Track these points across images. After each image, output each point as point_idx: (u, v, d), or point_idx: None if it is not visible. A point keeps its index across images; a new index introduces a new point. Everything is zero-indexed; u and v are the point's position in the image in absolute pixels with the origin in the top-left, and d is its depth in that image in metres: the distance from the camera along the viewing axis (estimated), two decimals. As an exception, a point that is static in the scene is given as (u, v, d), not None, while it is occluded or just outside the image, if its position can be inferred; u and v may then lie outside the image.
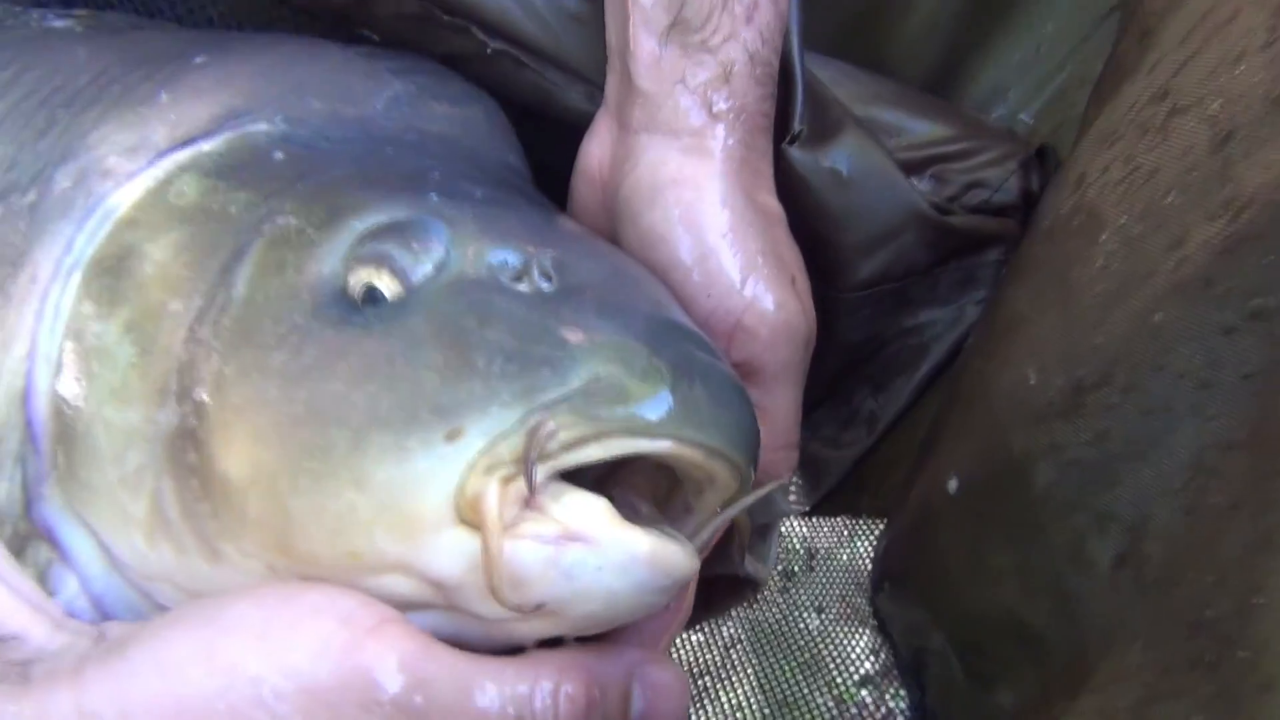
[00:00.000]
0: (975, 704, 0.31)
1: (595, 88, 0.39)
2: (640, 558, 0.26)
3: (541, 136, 0.40)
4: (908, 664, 0.36)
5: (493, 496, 0.25)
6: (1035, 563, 0.26)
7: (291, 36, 0.40)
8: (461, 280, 0.29)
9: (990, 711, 0.30)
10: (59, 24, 0.44)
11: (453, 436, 0.26)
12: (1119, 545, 0.23)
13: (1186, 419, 0.21)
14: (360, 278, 0.29)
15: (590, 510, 0.26)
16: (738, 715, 0.46)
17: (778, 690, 0.46)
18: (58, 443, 0.31)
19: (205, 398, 0.28)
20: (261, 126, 0.33)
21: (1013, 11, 0.47)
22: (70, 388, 0.31)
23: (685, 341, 0.28)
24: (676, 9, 0.34)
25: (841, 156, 0.39)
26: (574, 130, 0.39)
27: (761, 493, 0.28)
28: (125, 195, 0.33)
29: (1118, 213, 0.27)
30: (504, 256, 0.29)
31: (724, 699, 0.48)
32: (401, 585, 0.27)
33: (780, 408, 0.34)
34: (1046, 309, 0.28)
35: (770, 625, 0.49)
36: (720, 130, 0.34)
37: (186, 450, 0.28)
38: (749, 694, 0.48)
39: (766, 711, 0.46)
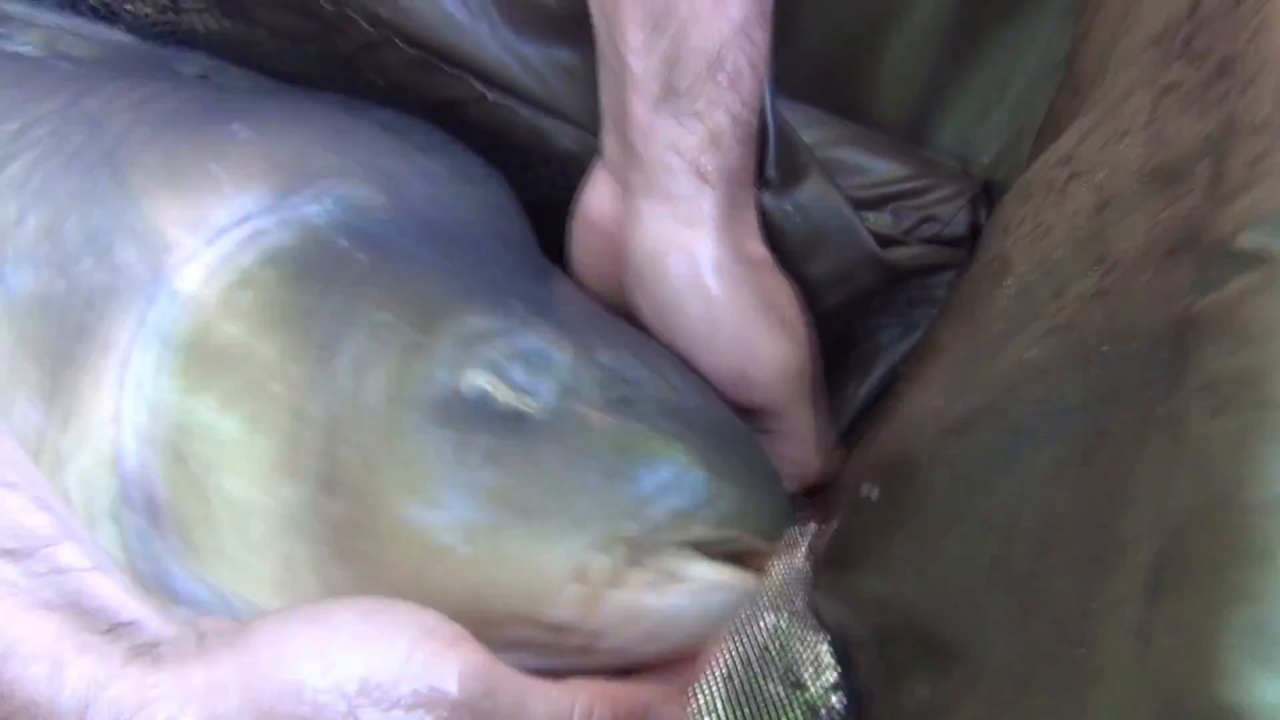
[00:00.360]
0: (897, 693, 0.34)
1: (587, 133, 0.42)
2: (730, 585, 0.34)
3: (533, 175, 0.44)
4: (841, 656, 0.39)
5: (604, 568, 0.32)
6: (931, 564, 0.30)
7: (314, 101, 0.43)
8: (563, 387, 0.34)
9: (909, 700, 0.33)
10: (25, 50, 0.42)
11: (578, 527, 0.32)
12: (993, 548, 0.27)
13: (1044, 439, 0.25)
14: (471, 382, 0.33)
15: (684, 556, 0.33)
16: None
17: (740, 687, 0.49)
18: (162, 506, 0.34)
19: (335, 480, 0.32)
20: (314, 208, 0.37)
21: (979, 61, 0.50)
22: (170, 458, 0.33)
23: (747, 444, 0.36)
24: (666, 79, 0.37)
25: (805, 198, 0.44)
26: (564, 169, 0.43)
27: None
28: (195, 272, 0.35)
29: (1021, 262, 0.30)
30: (591, 364, 0.35)
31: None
32: (525, 631, 0.33)
33: (802, 426, 0.41)
34: (959, 341, 0.32)
35: (738, 627, 0.52)
36: (710, 194, 0.39)
37: (318, 523, 0.33)
38: (715, 690, 0.50)
39: (744, 712, 0.48)
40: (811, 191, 0.43)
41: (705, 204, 0.38)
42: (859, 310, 0.47)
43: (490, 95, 0.42)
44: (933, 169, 0.48)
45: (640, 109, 0.38)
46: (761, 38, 0.38)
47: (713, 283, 0.38)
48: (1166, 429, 0.21)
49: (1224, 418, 0.19)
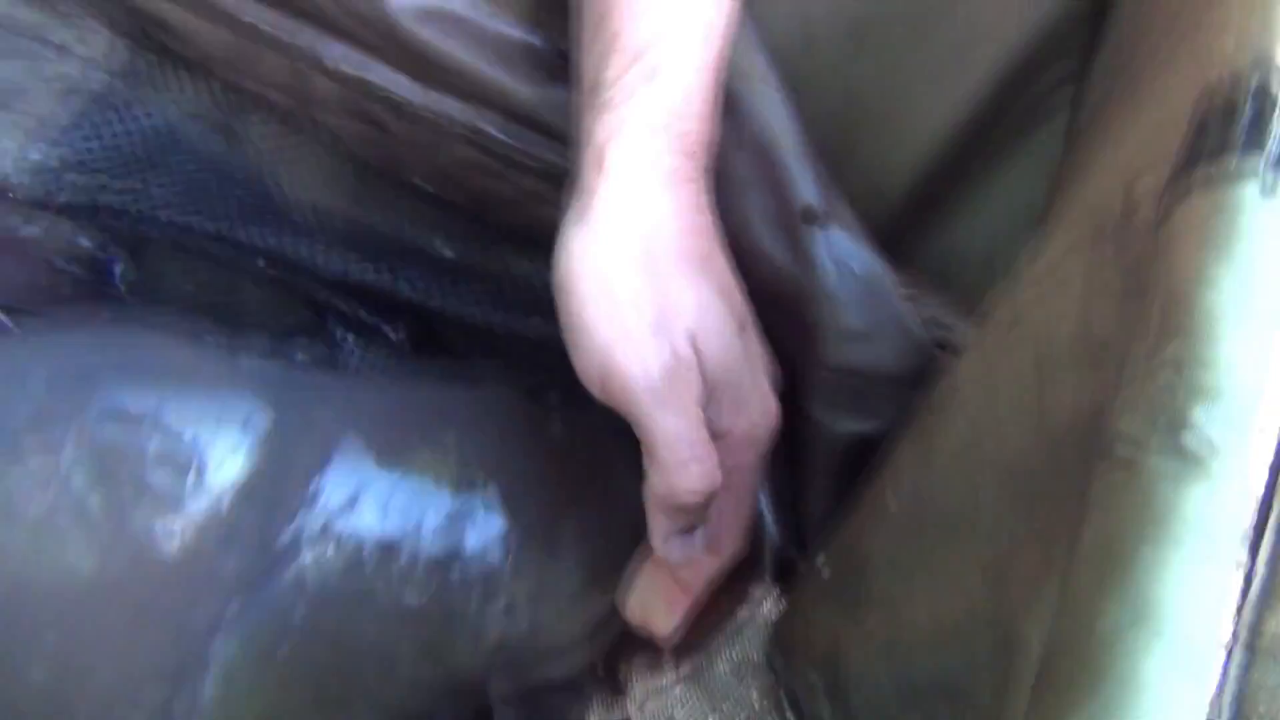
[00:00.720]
0: None
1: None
2: None
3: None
4: (792, 700, 0.45)
5: None
6: (846, 630, 0.37)
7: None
8: None
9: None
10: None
11: None
12: (907, 633, 0.33)
13: (945, 543, 0.31)
14: None
15: None
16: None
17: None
18: None
19: None
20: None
21: (969, 189, 0.55)
22: None
23: None
24: (596, 73, 0.40)
25: (851, 250, 0.44)
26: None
27: None
28: None
29: (970, 394, 0.36)
30: None
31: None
32: None
33: (656, 437, 0.39)
34: (912, 452, 0.38)
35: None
36: (604, 186, 0.39)
37: None
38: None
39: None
40: (854, 245, 0.45)
41: (598, 197, 0.38)
42: (865, 394, 0.47)
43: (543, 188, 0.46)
44: (920, 281, 0.53)
45: (578, 104, 0.40)
46: (689, 49, 0.40)
47: (585, 280, 0.38)
48: (1060, 571, 0.26)
49: (1091, 570, 0.25)
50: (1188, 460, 0.24)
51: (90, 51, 0.54)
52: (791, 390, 0.45)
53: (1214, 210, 0.27)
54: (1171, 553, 0.23)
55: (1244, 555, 0.23)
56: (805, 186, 0.44)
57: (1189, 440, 0.24)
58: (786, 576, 0.48)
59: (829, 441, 0.47)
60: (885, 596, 0.36)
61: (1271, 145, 0.27)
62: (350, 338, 0.59)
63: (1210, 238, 0.27)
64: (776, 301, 0.47)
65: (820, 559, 0.42)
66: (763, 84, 0.46)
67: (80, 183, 0.51)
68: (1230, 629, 0.23)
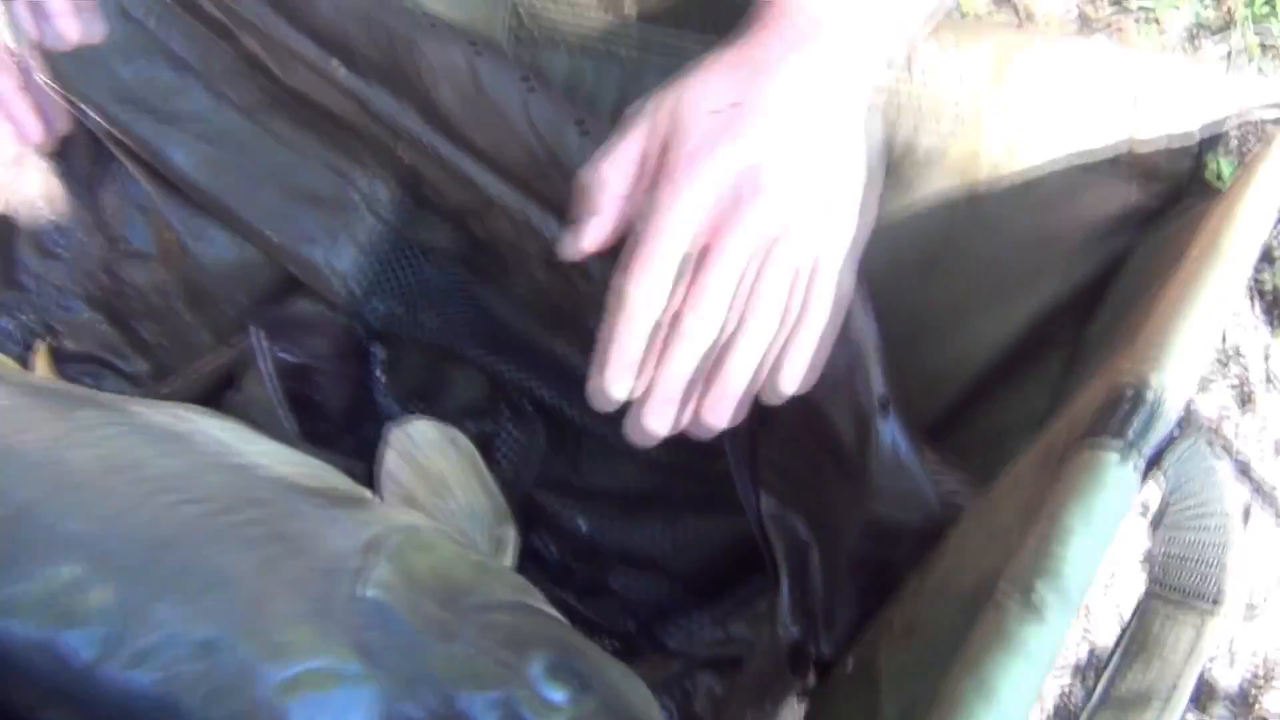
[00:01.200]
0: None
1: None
2: None
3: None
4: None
5: None
6: (868, 708, 0.54)
7: None
8: None
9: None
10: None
11: None
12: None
13: (927, 655, 0.48)
14: None
15: None
16: None
17: None
18: None
19: None
20: None
21: (1000, 387, 0.72)
22: None
23: None
24: None
25: (900, 438, 0.55)
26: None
27: None
28: None
29: (950, 556, 0.54)
30: None
31: None
32: None
33: (630, 131, 0.55)
34: (912, 585, 0.56)
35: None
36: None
37: None
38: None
39: None
40: (900, 432, 0.55)
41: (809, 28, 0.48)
42: (892, 538, 0.59)
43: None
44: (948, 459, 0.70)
45: None
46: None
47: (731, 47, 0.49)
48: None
49: (962, 664, 0.41)
50: (1032, 610, 0.41)
51: (378, 196, 0.75)
52: (836, 525, 0.61)
53: (1089, 464, 0.45)
54: (1009, 660, 0.40)
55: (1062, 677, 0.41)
56: (880, 382, 0.55)
57: (1035, 600, 0.42)
58: (809, 671, 0.62)
59: (860, 563, 0.59)
60: (892, 687, 0.53)
61: (1131, 433, 0.45)
62: (510, 426, 0.79)
63: (1081, 481, 0.45)
64: (840, 462, 0.58)
65: (847, 657, 0.59)
66: (860, 300, 0.57)
67: (378, 309, 0.71)
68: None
